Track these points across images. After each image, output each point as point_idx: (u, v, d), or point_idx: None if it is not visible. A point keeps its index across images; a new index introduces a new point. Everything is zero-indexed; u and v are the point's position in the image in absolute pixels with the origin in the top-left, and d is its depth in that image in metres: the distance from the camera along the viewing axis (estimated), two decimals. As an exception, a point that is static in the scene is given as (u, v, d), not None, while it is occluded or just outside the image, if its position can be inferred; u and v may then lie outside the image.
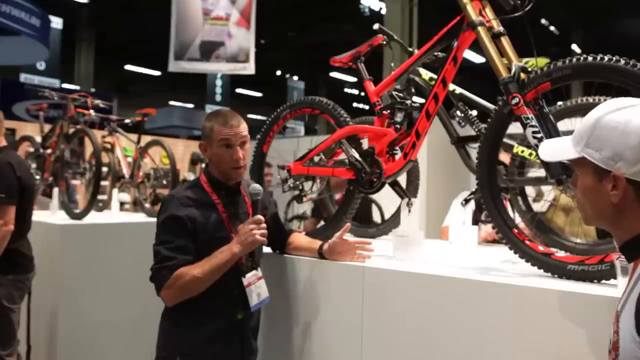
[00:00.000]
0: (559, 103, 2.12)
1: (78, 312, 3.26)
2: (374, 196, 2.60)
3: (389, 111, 2.19)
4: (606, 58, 1.51)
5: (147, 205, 4.56)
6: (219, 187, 1.99)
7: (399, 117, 2.13)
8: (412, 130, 2.07)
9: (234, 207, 2.00)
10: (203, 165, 5.07)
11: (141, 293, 2.30)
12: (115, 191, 4.39)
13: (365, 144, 2.25)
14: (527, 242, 1.72)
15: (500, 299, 1.54)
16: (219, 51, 10.47)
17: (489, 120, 1.81)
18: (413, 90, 2.23)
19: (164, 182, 4.53)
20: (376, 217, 4.11)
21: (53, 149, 4.52)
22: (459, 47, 1.93)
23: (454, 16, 1.95)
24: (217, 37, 10.43)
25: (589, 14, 14.30)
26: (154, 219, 1.97)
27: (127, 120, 4.84)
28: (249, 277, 1.91)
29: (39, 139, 4.86)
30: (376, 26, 2.37)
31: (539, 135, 1.65)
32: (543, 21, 14.17)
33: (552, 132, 1.69)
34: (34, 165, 4.73)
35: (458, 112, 2.15)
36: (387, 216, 3.39)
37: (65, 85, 14.55)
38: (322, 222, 3.53)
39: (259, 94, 23.21)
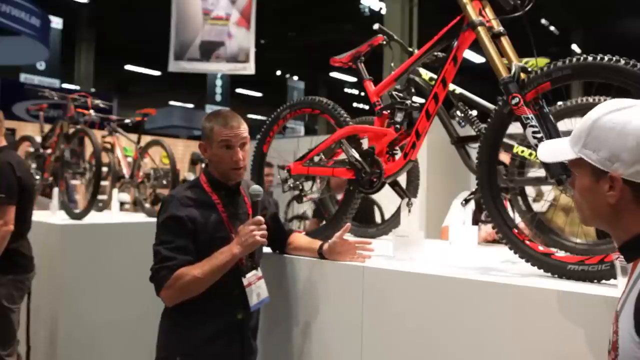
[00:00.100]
0: (559, 103, 2.12)
1: (78, 312, 3.26)
2: (374, 196, 2.60)
3: (389, 111, 2.19)
4: (606, 58, 1.51)
5: (147, 205, 4.56)
6: (218, 187, 1.99)
7: (399, 117, 2.13)
8: (412, 130, 2.07)
9: (234, 207, 2.00)
10: (203, 165, 5.08)
11: (141, 293, 2.30)
12: (115, 191, 4.39)
13: (365, 144, 2.25)
14: (527, 242, 1.72)
15: (500, 299, 1.54)
16: (219, 51, 10.47)
17: (489, 120, 1.81)
18: (413, 90, 2.23)
19: (164, 182, 4.53)
20: (376, 217, 4.11)
21: (53, 149, 4.52)
22: (459, 47, 1.93)
23: (454, 16, 1.95)
24: (217, 37, 10.43)
25: (589, 14, 14.30)
26: (154, 219, 1.97)
27: (127, 120, 4.83)
28: (249, 277, 1.91)
29: (39, 139, 4.86)
30: (376, 26, 2.37)
31: (539, 135, 1.65)
32: (543, 21, 14.17)
33: (552, 132, 1.69)
34: (34, 165, 4.73)
35: (458, 112, 2.15)
36: (387, 216, 3.38)
37: (65, 85, 14.55)
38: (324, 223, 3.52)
39: (259, 94, 23.22)
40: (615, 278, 1.43)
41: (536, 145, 1.65)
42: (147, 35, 14.18)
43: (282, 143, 7.33)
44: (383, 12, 11.19)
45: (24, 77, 13.48)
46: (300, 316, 2.09)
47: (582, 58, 1.57)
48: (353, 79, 19.90)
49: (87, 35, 16.38)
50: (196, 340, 1.88)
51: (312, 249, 2.07)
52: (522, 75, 1.71)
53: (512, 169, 2.16)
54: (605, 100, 1.89)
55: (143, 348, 2.28)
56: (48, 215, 3.89)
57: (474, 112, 2.17)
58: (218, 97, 17.84)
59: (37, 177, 4.59)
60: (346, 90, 22.53)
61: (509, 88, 1.70)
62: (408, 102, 2.14)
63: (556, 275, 1.63)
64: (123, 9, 15.12)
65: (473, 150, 2.01)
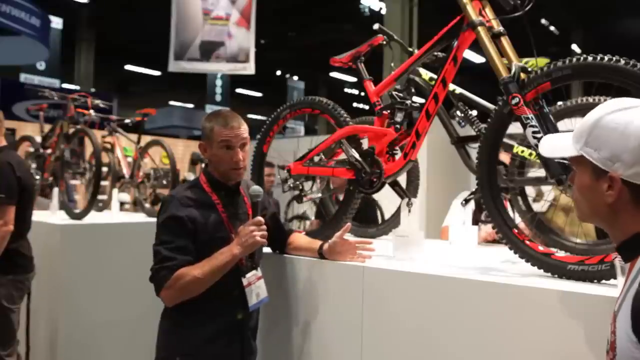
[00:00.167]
0: (559, 103, 2.12)
1: (78, 312, 3.26)
2: (374, 196, 2.60)
3: (389, 111, 2.19)
4: (606, 58, 1.51)
5: (147, 205, 4.56)
6: (218, 187, 1.99)
7: (399, 117, 2.13)
8: (412, 130, 2.07)
9: (234, 207, 2.00)
10: (203, 165, 5.08)
11: (141, 293, 2.30)
12: (115, 191, 4.39)
13: (365, 144, 2.25)
14: (527, 242, 1.72)
15: (500, 299, 1.54)
16: (219, 51, 10.47)
17: (489, 120, 1.81)
18: (413, 90, 2.23)
19: (164, 182, 4.53)
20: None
21: (53, 149, 4.52)
22: (459, 47, 1.93)
23: (454, 16, 1.95)
24: (217, 37, 10.43)
25: (589, 14, 14.30)
26: (154, 219, 1.97)
27: (127, 120, 4.83)
28: (248, 277, 1.91)
29: (39, 139, 4.86)
30: (376, 26, 2.37)
31: (539, 136, 1.65)
32: (543, 21, 14.17)
33: (552, 132, 1.68)
34: (34, 165, 4.72)
35: (458, 112, 2.15)
36: (387, 216, 3.38)
37: (65, 85, 14.55)
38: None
39: (259, 94, 23.22)
40: (615, 278, 1.42)
41: (536, 145, 1.65)
42: (147, 35, 14.18)
43: (282, 143, 7.33)
44: (383, 12, 11.19)
45: (24, 77, 13.48)
46: (300, 316, 2.09)
47: (582, 58, 1.57)
48: (353, 79, 19.90)
49: (87, 35, 16.39)
50: (196, 341, 1.88)
51: (312, 249, 2.07)
52: (522, 75, 1.71)
53: (512, 169, 2.16)
54: (605, 100, 1.89)
55: (143, 348, 2.27)
56: (48, 215, 3.89)
57: (474, 112, 2.17)
58: (218, 97, 17.84)
59: (37, 177, 4.59)
60: (346, 90, 22.54)
61: (509, 88, 1.70)
62: (408, 102, 2.14)
63: (556, 275, 1.63)
64: (123, 9, 15.12)
65: (473, 150, 2.01)
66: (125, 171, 4.54)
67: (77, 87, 14.91)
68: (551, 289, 1.47)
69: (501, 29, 1.82)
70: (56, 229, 3.37)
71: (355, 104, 23.59)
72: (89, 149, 4.37)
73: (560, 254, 1.73)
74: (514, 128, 1.79)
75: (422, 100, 2.10)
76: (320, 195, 2.69)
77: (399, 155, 2.16)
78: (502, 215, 1.78)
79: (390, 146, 2.17)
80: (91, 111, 4.47)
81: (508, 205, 2.10)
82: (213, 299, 1.85)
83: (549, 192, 2.41)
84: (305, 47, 17.39)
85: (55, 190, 4.00)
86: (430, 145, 5.01)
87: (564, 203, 2.36)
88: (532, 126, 1.66)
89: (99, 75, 16.93)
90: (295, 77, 21.37)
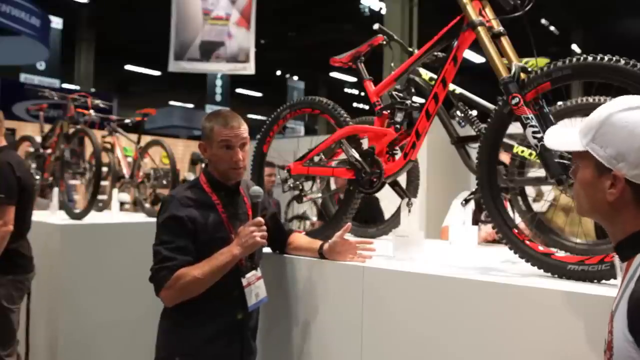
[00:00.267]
0: (559, 103, 2.12)
1: (78, 312, 3.26)
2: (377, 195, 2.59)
3: (389, 111, 2.19)
4: (606, 58, 1.51)
5: (147, 205, 4.56)
6: (218, 187, 1.99)
7: (399, 117, 2.13)
8: (412, 130, 2.07)
9: (234, 207, 2.00)
10: (203, 165, 5.08)
11: (141, 293, 2.30)
12: (115, 191, 4.39)
13: (365, 144, 2.25)
14: (527, 242, 1.72)
15: (500, 299, 1.54)
16: (219, 51, 10.48)
17: (489, 120, 1.81)
18: (413, 90, 2.23)
19: (164, 182, 4.53)
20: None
21: (53, 149, 4.52)
22: (459, 47, 1.93)
23: (454, 16, 1.95)
24: (217, 37, 10.43)
25: (589, 14, 14.30)
26: (154, 219, 1.97)
27: (127, 120, 4.83)
28: (248, 278, 1.91)
29: (39, 139, 4.86)
30: (376, 26, 2.37)
31: (539, 136, 1.65)
32: (543, 21, 14.17)
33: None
34: (34, 165, 4.73)
35: (458, 112, 2.15)
36: (387, 216, 3.38)
37: (65, 85, 14.55)
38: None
39: (259, 94, 23.22)
40: (615, 278, 1.42)
41: (536, 146, 1.65)
42: (147, 35, 14.18)
43: (282, 143, 7.33)
44: (383, 12, 11.19)
45: (24, 77, 13.49)
46: (300, 316, 2.09)
47: (582, 58, 1.57)
48: (353, 79, 19.90)
49: (87, 35, 16.39)
50: (196, 341, 1.88)
51: (312, 249, 2.07)
52: (522, 75, 1.71)
53: (512, 169, 2.16)
54: (605, 100, 1.89)
55: (143, 348, 2.27)
56: (48, 215, 3.89)
57: (474, 112, 2.17)
58: (218, 97, 17.84)
59: (37, 177, 4.59)
60: (346, 90, 22.54)
61: (509, 88, 1.70)
62: (408, 102, 2.14)
63: (556, 275, 1.63)
64: (123, 9, 15.12)
65: (473, 150, 2.01)
66: (125, 171, 4.54)
67: (77, 87, 14.91)
68: (551, 289, 1.47)
69: (501, 29, 1.82)
70: (56, 229, 3.37)
71: (355, 104, 23.59)
72: (89, 149, 4.37)
73: (560, 254, 1.73)
74: (514, 128, 1.79)
75: (422, 100, 2.10)
76: (320, 195, 2.69)
77: (399, 155, 2.16)
78: (502, 215, 1.77)
79: (390, 146, 2.17)
80: (91, 111, 4.47)
81: (508, 205, 2.10)
82: (213, 299, 1.85)
83: (549, 192, 2.41)
84: (305, 47, 17.39)
85: (55, 190, 4.00)
86: (430, 145, 5.01)
87: (564, 203, 2.36)
88: (532, 126, 1.66)
89: (99, 75, 16.93)
90: (295, 77, 21.37)
